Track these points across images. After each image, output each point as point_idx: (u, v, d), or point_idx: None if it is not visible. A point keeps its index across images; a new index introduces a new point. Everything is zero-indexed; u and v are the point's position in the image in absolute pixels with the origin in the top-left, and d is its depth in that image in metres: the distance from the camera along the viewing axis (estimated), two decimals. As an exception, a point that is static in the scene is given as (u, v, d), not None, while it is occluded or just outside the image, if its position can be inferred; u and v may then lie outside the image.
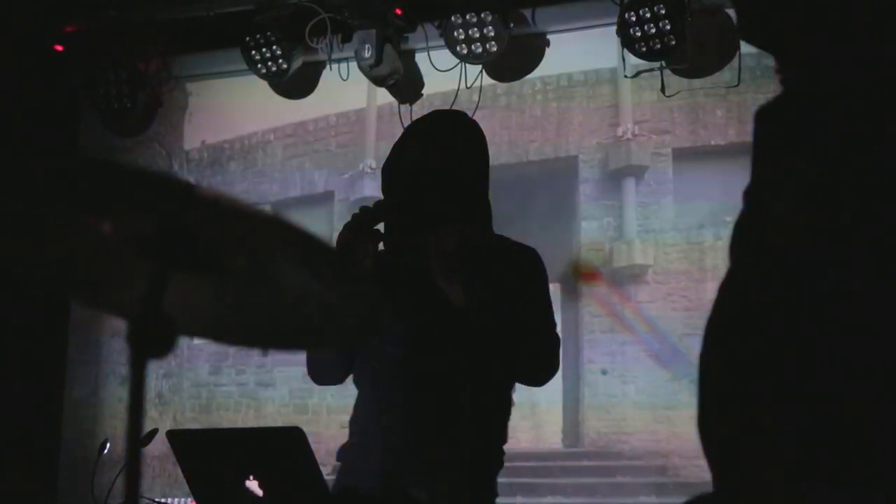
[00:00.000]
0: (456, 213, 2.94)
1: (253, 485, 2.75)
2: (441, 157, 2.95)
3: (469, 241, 2.91)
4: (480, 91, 5.09)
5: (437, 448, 2.91)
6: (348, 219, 2.93)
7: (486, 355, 2.92)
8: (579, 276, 5.00)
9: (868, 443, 1.20)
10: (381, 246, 2.97)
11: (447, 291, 2.91)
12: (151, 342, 1.35)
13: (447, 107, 4.86)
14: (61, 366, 5.77)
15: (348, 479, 2.98)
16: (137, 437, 1.34)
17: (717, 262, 4.69)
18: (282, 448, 2.79)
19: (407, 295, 2.97)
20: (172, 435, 2.89)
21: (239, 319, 1.57)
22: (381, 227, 2.94)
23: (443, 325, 2.93)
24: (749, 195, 1.41)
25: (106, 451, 4.32)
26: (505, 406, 3.06)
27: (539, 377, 3.04)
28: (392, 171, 3.02)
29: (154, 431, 3.87)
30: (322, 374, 3.13)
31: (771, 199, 1.32)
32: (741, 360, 1.31)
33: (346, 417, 3.11)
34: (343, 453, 3.06)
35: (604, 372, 4.98)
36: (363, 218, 2.91)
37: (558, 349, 3.02)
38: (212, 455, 2.90)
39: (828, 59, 1.34)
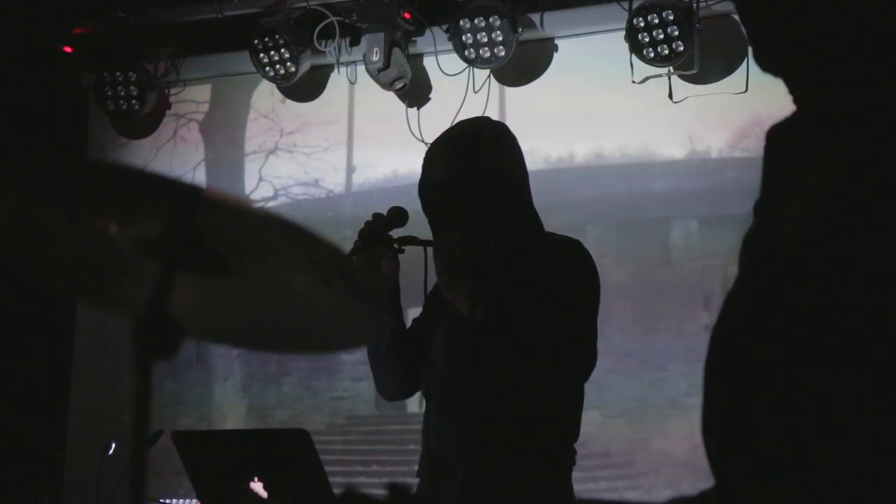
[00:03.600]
0: (490, 225, 2.87)
1: (257, 486, 2.76)
2: (468, 173, 2.91)
3: (473, 246, 2.85)
4: (488, 96, 5.09)
5: (491, 458, 2.83)
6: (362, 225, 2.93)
7: (507, 363, 2.86)
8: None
9: (872, 445, 1.21)
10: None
11: (453, 303, 2.87)
12: (157, 344, 1.35)
13: (454, 111, 4.88)
14: (67, 366, 5.78)
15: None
16: (142, 439, 1.35)
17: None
18: (287, 450, 2.80)
19: (433, 306, 2.96)
20: (178, 436, 2.90)
21: (245, 321, 1.57)
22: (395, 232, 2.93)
23: (461, 335, 2.90)
24: (759, 208, 1.42)
25: (111, 451, 4.32)
26: (560, 404, 2.94)
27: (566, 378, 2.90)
28: (425, 190, 2.98)
29: (159, 432, 3.88)
30: (386, 390, 3.11)
31: (780, 211, 1.33)
32: (746, 365, 1.32)
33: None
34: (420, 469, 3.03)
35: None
36: (375, 225, 2.91)
37: (583, 364, 2.86)
38: (217, 456, 2.91)
39: (840, 81, 1.35)
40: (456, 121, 3.30)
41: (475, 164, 2.92)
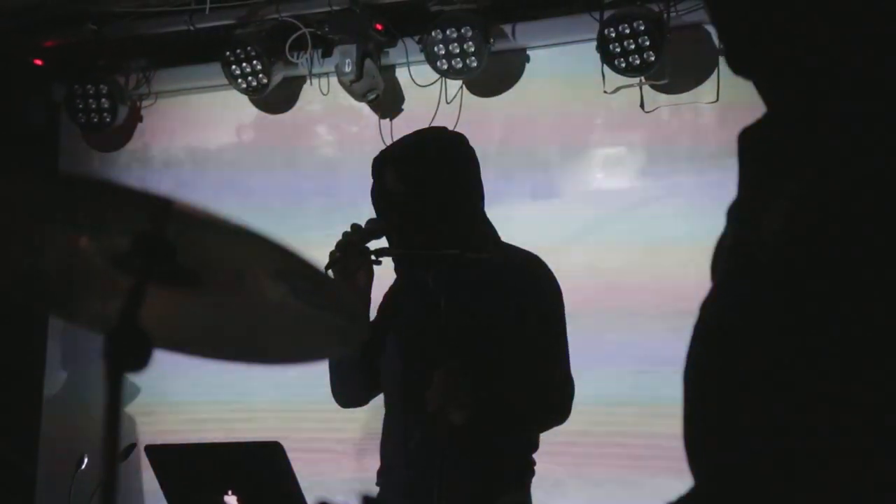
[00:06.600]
0: (437, 235, 2.90)
1: (231, 499, 2.75)
2: (409, 183, 2.93)
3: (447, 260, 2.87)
4: (461, 106, 5.10)
5: (456, 467, 2.84)
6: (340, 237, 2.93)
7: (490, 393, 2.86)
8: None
9: (848, 456, 1.21)
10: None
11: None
12: (128, 356, 1.35)
13: (426, 122, 4.88)
14: (39, 379, 5.74)
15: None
16: (114, 452, 1.34)
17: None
18: (261, 462, 2.79)
19: (409, 316, 2.96)
20: (151, 449, 2.89)
21: (216, 333, 1.57)
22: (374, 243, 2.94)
23: (444, 347, 2.89)
24: (733, 214, 1.41)
25: (84, 465, 4.30)
26: None
27: (539, 427, 2.96)
28: (374, 198, 3.01)
29: (132, 446, 3.87)
30: (343, 397, 3.12)
31: (758, 218, 1.32)
32: (724, 374, 1.32)
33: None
34: (378, 478, 3.04)
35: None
36: (353, 236, 2.91)
37: (570, 394, 2.90)
38: (190, 470, 2.90)
39: (814, 81, 1.35)
40: None
41: (425, 174, 2.94)
